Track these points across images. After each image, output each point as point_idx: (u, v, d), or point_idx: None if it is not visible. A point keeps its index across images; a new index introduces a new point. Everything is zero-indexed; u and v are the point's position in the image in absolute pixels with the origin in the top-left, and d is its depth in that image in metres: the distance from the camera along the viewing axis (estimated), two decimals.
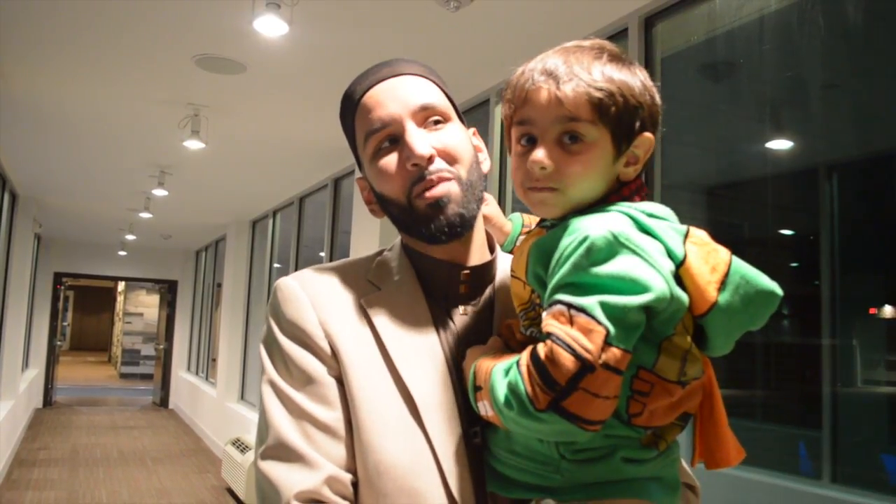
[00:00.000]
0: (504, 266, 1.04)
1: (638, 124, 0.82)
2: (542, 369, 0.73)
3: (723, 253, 0.79)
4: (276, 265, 7.84)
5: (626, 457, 0.81)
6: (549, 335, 0.74)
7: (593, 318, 0.72)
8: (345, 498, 0.89)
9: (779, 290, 0.79)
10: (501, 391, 0.77)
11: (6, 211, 7.15)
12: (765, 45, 2.82)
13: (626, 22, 2.86)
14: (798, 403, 3.16)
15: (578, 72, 0.80)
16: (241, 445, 6.48)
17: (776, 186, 3.17)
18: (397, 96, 0.97)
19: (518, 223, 1.10)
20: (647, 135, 0.83)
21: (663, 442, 0.84)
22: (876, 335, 2.93)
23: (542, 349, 0.74)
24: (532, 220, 1.08)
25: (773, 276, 0.80)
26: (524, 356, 0.77)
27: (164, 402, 12.79)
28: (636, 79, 0.82)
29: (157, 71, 3.75)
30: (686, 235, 0.80)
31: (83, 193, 7.65)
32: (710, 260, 0.78)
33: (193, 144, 4.55)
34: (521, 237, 1.05)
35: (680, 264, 0.77)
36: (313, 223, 6.60)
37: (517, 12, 2.88)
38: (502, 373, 0.79)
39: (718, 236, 0.82)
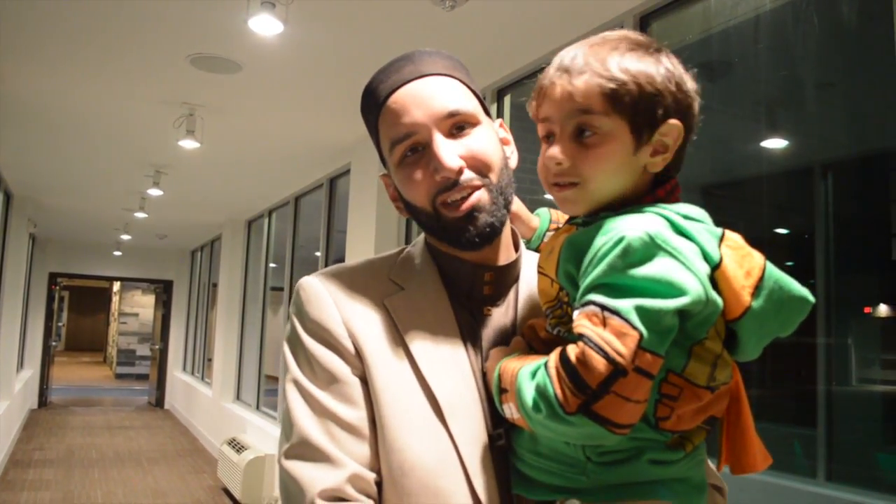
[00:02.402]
0: (529, 264, 1.03)
1: (660, 112, 0.80)
2: (572, 372, 0.72)
3: (757, 257, 0.78)
4: (271, 265, 7.83)
5: (653, 458, 0.80)
6: (580, 336, 0.73)
7: (627, 321, 0.71)
8: (368, 496, 0.89)
9: (811, 297, 0.79)
10: (529, 394, 0.76)
11: (0, 211, 7.13)
12: (760, 44, 2.83)
13: (621, 21, 2.86)
14: (793, 402, 3.17)
15: (591, 64, 0.80)
16: (236, 445, 6.47)
17: (771, 185, 3.18)
18: (423, 103, 0.95)
19: (546, 218, 1.07)
20: (673, 121, 0.81)
21: (689, 444, 0.83)
22: (871, 334, 2.94)
23: (572, 351, 0.73)
24: (560, 216, 1.05)
25: None
26: (553, 358, 0.75)
27: (159, 402, 12.76)
28: (660, 66, 0.81)
29: (152, 70, 3.74)
30: (721, 238, 0.79)
31: (78, 193, 7.63)
32: (744, 264, 0.77)
33: (188, 144, 4.53)
34: (549, 233, 1.04)
35: (715, 267, 0.76)
36: (309, 223, 6.59)
37: (512, 11, 2.88)
38: (529, 375, 0.78)
39: None
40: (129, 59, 3.59)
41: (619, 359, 0.70)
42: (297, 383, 0.95)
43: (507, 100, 3.65)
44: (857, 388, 2.84)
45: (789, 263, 3.19)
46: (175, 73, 3.71)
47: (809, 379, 2.72)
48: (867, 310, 2.94)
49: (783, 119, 3.10)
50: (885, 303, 2.90)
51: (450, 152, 0.93)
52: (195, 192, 7.23)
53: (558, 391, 0.72)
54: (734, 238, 0.79)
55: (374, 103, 1.00)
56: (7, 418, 7.54)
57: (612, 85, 0.78)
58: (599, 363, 0.70)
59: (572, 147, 0.81)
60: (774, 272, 0.78)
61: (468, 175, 0.94)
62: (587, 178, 0.81)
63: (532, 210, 1.09)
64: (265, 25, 2.88)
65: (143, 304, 18.16)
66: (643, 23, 2.82)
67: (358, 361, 0.94)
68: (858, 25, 2.57)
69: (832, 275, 2.68)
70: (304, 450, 0.90)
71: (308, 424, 0.91)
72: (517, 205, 1.08)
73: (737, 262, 0.77)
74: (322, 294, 0.98)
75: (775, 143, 3.11)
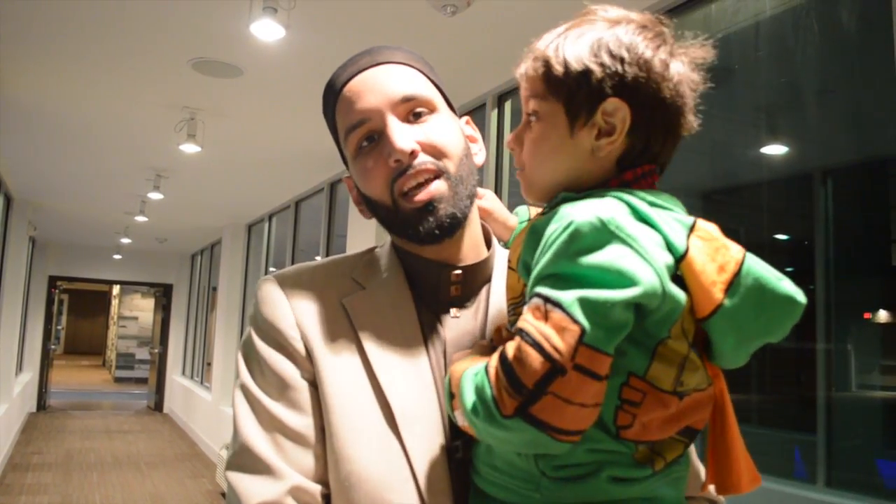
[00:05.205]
0: (502, 264, 0.96)
1: (595, 90, 0.72)
2: (509, 370, 0.65)
3: (734, 250, 0.70)
4: (271, 269, 7.83)
5: (615, 475, 0.72)
6: (519, 331, 0.66)
7: (569, 314, 0.64)
8: None
9: (801, 297, 0.69)
10: (469, 397, 0.70)
11: (0, 214, 7.13)
12: (760, 50, 2.83)
13: None
14: (793, 408, 3.17)
15: (536, 47, 0.78)
16: None
17: (771, 191, 3.18)
18: (377, 87, 0.91)
19: (524, 216, 1.00)
20: (612, 100, 0.72)
21: (661, 460, 0.74)
22: (870, 340, 2.94)
23: (510, 348, 0.66)
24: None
25: None
26: (494, 357, 0.69)
27: (158, 406, 12.74)
28: (604, 39, 0.73)
29: (153, 74, 3.75)
30: (692, 228, 0.70)
31: (78, 196, 7.63)
32: (717, 257, 0.69)
33: (189, 148, 4.54)
34: None
35: (681, 259, 0.68)
36: (309, 227, 6.60)
37: (513, 16, 2.88)
38: (472, 377, 0.71)
39: None
40: (131, 64, 3.60)
41: (556, 355, 0.63)
42: (244, 388, 0.90)
43: (507, 105, 3.66)
44: (856, 393, 2.84)
45: (789, 269, 3.20)
46: (177, 77, 3.71)
47: (809, 385, 2.72)
48: (867, 315, 2.94)
49: (783, 125, 3.11)
50: (884, 308, 2.90)
51: (403, 135, 0.88)
52: (196, 195, 7.23)
53: (495, 392, 0.66)
54: (707, 228, 0.71)
55: (332, 97, 0.96)
56: (5, 422, 7.53)
57: (542, 68, 0.75)
58: (535, 360, 0.63)
59: (522, 132, 0.80)
60: (755, 268, 0.69)
61: (422, 158, 0.89)
62: (524, 163, 0.80)
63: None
64: (267, 30, 2.88)
65: (143, 308, 18.14)
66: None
67: (308, 364, 0.89)
68: (858, 32, 2.58)
69: (832, 280, 2.68)
70: (246, 459, 0.85)
71: (252, 433, 0.86)
72: (493, 202, 1.03)
73: (708, 255, 0.69)
74: (276, 294, 0.93)
75: (775, 150, 3.11)
